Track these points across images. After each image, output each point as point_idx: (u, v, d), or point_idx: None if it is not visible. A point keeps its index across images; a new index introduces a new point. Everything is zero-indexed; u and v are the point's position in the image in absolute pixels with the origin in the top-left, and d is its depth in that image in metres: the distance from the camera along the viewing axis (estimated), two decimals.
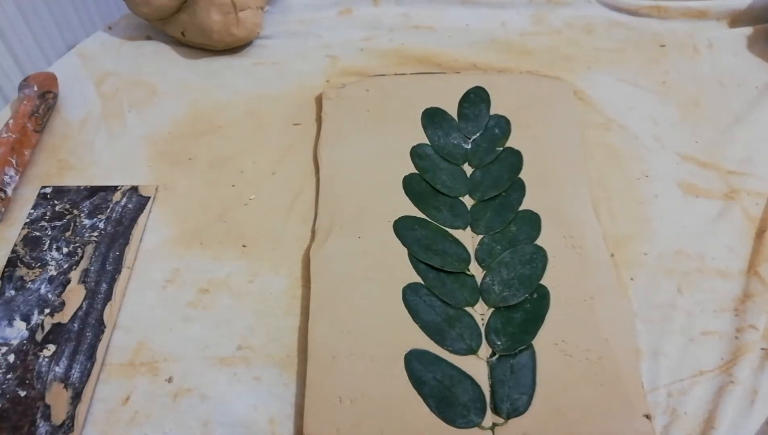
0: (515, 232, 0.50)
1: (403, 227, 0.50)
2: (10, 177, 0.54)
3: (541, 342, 0.44)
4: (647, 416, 0.40)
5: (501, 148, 0.57)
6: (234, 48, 0.69)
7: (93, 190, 0.55)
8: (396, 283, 0.47)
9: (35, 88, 0.61)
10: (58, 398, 0.42)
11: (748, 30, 0.71)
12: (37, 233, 0.52)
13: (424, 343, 0.44)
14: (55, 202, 0.54)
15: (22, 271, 0.49)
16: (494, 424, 0.40)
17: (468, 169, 0.55)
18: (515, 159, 0.56)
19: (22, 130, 0.57)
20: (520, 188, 0.53)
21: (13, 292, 0.48)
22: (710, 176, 0.56)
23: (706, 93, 0.64)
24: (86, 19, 1.00)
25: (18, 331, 0.46)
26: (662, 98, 0.64)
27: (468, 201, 0.53)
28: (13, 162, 0.55)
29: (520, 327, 0.44)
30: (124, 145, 0.60)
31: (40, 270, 0.49)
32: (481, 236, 0.50)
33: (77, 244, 0.51)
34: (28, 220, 0.53)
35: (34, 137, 0.58)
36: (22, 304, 0.47)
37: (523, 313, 0.45)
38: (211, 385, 0.44)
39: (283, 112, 0.63)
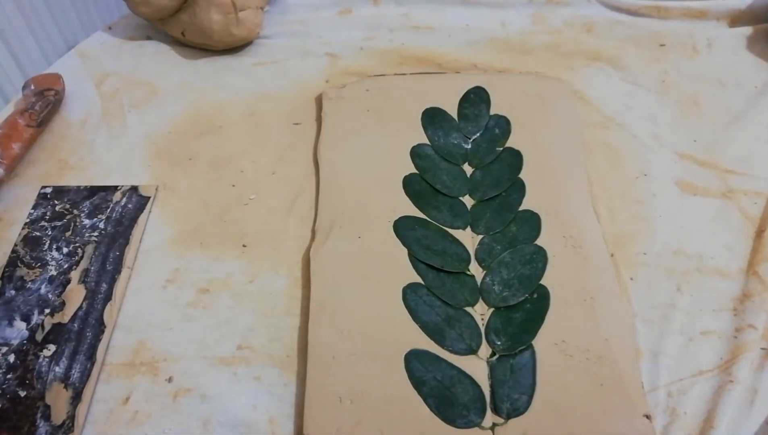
0: (515, 232, 0.50)
1: (403, 227, 0.50)
2: None
3: (541, 342, 0.44)
4: (647, 416, 0.41)
5: (501, 148, 0.57)
6: (234, 48, 0.69)
7: (93, 190, 0.55)
8: (396, 283, 0.47)
9: (32, 87, 0.61)
10: (58, 398, 0.42)
11: (747, 30, 0.71)
12: (37, 233, 0.52)
13: (424, 343, 0.44)
14: (55, 202, 0.54)
15: (22, 271, 0.49)
16: (494, 424, 0.40)
17: (468, 169, 0.55)
18: (515, 159, 0.56)
19: (11, 125, 0.57)
20: (520, 188, 0.53)
21: (13, 292, 0.48)
22: (708, 175, 0.56)
23: (705, 92, 0.64)
24: (86, 19, 1.00)
25: (18, 331, 0.46)
26: (661, 97, 0.64)
27: (468, 201, 0.53)
28: None
29: (520, 327, 0.44)
30: (124, 145, 0.60)
31: (40, 270, 0.49)
32: (481, 236, 0.50)
33: (77, 244, 0.51)
34: (28, 220, 0.53)
35: (27, 132, 0.58)
36: (22, 304, 0.47)
37: (523, 313, 0.45)
38: (211, 385, 0.44)
39: (283, 112, 0.63)
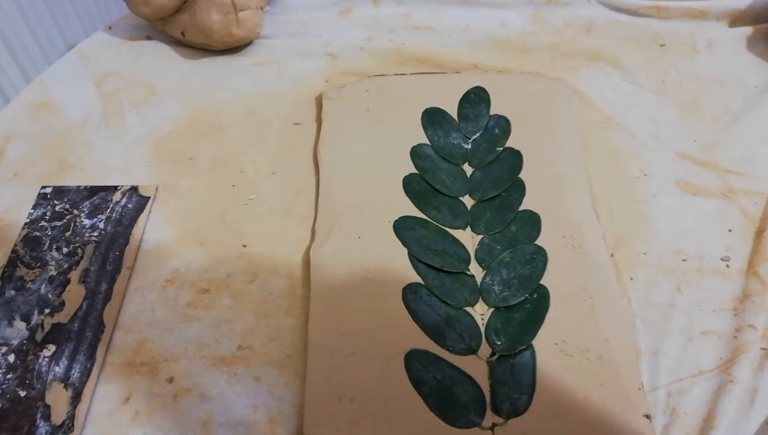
0: (515, 232, 0.50)
1: (403, 227, 0.50)
2: None
3: (541, 342, 0.44)
4: (647, 416, 0.41)
5: (501, 148, 0.57)
6: (234, 48, 0.69)
7: (93, 190, 0.55)
8: (396, 283, 0.47)
9: None
10: (58, 398, 0.42)
11: (748, 30, 0.71)
12: (37, 233, 0.52)
13: (424, 343, 0.44)
14: (55, 202, 0.54)
15: (22, 271, 0.49)
16: (494, 424, 0.40)
17: (468, 169, 0.55)
18: (515, 159, 0.56)
19: None
20: (520, 188, 0.53)
21: (13, 292, 0.48)
22: (708, 175, 0.56)
23: (705, 92, 0.64)
24: (86, 19, 1.00)
25: (18, 331, 0.46)
26: (661, 97, 0.64)
27: (468, 201, 0.53)
28: None
29: (520, 327, 0.44)
30: (124, 145, 0.60)
31: (40, 270, 0.49)
32: (481, 236, 0.50)
33: (77, 244, 0.51)
34: (28, 220, 0.53)
35: None
36: (22, 304, 0.47)
37: (523, 313, 0.45)
38: (211, 385, 0.44)
39: (283, 112, 0.63)
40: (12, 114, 0.63)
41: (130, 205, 0.54)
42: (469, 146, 0.57)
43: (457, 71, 0.66)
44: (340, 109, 0.60)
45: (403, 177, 0.54)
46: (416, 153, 0.56)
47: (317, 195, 0.54)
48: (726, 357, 0.44)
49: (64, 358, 0.44)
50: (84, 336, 0.45)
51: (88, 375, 0.43)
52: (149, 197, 0.55)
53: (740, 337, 0.45)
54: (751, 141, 0.59)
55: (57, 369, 0.44)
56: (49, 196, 0.55)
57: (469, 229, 0.51)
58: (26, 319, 0.46)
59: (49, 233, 0.52)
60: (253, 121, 0.62)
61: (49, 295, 0.48)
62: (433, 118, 0.59)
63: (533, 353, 0.43)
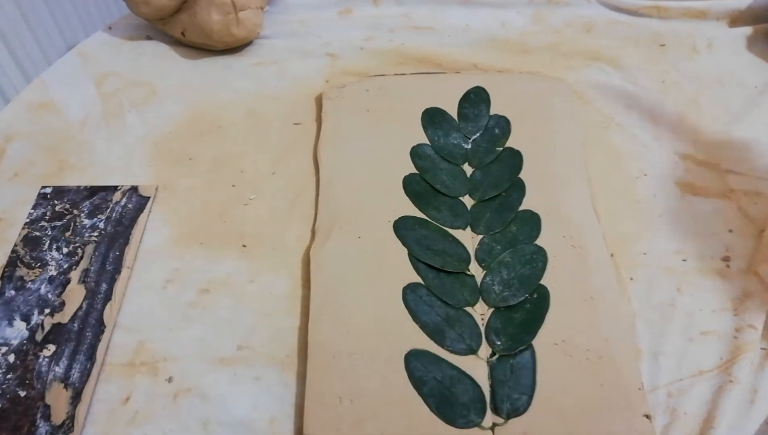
0: (515, 232, 0.50)
1: (403, 227, 0.50)
2: None
3: (541, 342, 0.44)
4: (647, 416, 0.41)
5: (501, 148, 0.57)
6: (234, 48, 0.69)
7: (93, 190, 0.55)
8: (396, 283, 0.47)
9: None
10: (58, 398, 0.42)
11: (747, 30, 0.71)
12: (37, 233, 0.52)
13: (424, 343, 0.44)
14: (55, 202, 0.54)
15: (22, 271, 0.49)
16: (494, 424, 0.40)
17: (468, 169, 0.55)
18: (515, 159, 0.56)
19: None
20: (520, 188, 0.53)
21: (13, 292, 0.48)
22: (708, 175, 0.56)
23: (705, 92, 0.64)
24: (86, 19, 1.00)
25: (18, 331, 0.46)
26: (661, 97, 0.64)
27: (468, 201, 0.53)
28: None
29: (520, 327, 0.44)
30: (124, 145, 0.60)
31: (40, 270, 0.49)
32: (481, 236, 0.50)
33: (77, 244, 0.51)
34: (28, 220, 0.53)
35: None
36: (22, 304, 0.47)
37: (523, 313, 0.45)
38: (211, 385, 0.44)
39: (283, 112, 0.63)
40: (12, 114, 0.63)
41: (130, 205, 0.54)
42: (469, 146, 0.57)
43: (457, 71, 0.66)
44: (340, 109, 0.60)
45: (403, 177, 0.54)
46: (416, 153, 0.56)
47: (317, 195, 0.54)
48: (726, 357, 0.44)
49: (64, 358, 0.44)
50: (84, 336, 0.46)
51: (88, 375, 0.43)
52: (149, 197, 0.55)
53: (740, 337, 0.45)
54: (751, 141, 0.59)
55: (57, 369, 0.44)
56: (49, 196, 0.55)
57: (469, 229, 0.51)
58: (26, 319, 0.46)
59: (49, 233, 0.52)
60: (253, 121, 0.62)
61: (49, 295, 0.48)
62: (433, 118, 0.59)
63: (533, 353, 0.43)
